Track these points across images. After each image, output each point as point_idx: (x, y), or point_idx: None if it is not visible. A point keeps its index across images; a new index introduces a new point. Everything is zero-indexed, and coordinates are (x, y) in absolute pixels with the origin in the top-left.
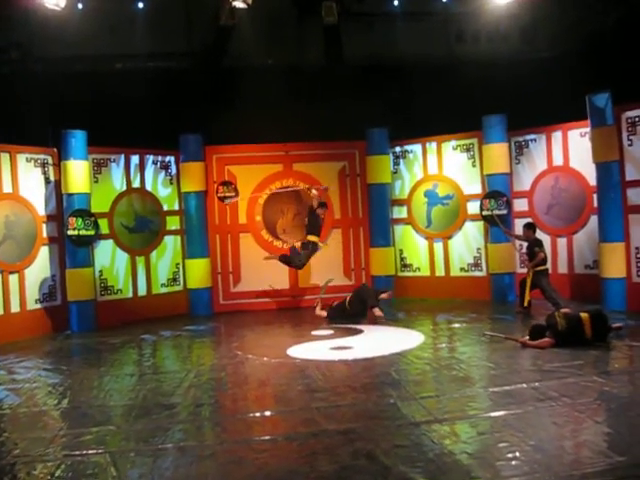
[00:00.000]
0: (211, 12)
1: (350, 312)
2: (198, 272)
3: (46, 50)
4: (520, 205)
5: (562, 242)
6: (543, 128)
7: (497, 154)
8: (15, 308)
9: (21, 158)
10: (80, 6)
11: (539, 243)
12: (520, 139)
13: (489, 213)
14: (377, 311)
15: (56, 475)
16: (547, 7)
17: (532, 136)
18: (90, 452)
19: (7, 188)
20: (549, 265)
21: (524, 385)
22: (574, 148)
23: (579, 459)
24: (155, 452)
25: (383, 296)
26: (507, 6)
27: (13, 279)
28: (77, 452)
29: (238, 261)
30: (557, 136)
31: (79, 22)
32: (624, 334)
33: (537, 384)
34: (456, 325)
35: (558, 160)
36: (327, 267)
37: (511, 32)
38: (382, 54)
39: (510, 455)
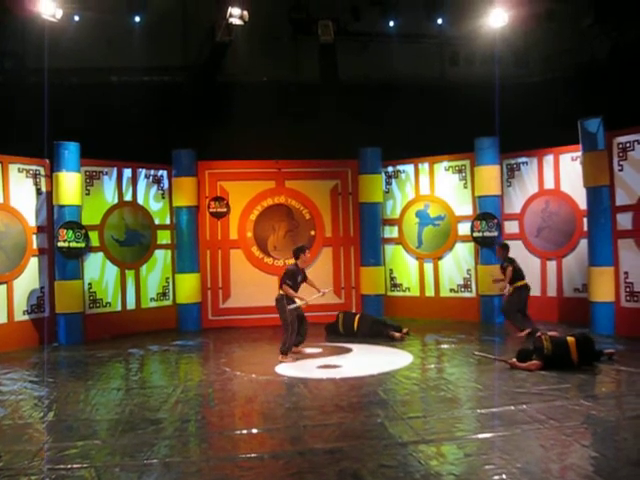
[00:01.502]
0: (207, 28)
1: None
2: (188, 287)
3: (41, 61)
4: (511, 227)
5: (552, 265)
6: (535, 151)
7: (489, 176)
8: (2, 319)
9: (13, 168)
10: (77, 18)
11: (509, 260)
12: (512, 162)
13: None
14: (397, 334)
15: None
16: (540, 32)
17: (524, 159)
18: (75, 466)
19: None
20: (537, 286)
21: (512, 407)
22: (565, 172)
23: None
24: (140, 467)
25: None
26: (501, 30)
27: (1, 290)
28: (62, 466)
29: (228, 277)
30: (549, 159)
31: (75, 34)
32: (615, 359)
33: (524, 406)
34: (445, 346)
35: (549, 183)
36: (317, 285)
37: (504, 56)
38: (376, 74)
39: (497, 477)
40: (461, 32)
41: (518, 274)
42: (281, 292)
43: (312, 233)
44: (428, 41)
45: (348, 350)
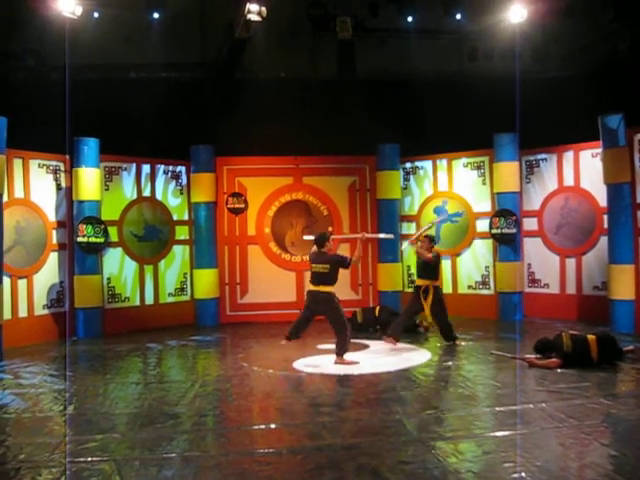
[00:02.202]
0: (226, 24)
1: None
2: (206, 282)
3: (61, 58)
4: (529, 224)
5: (571, 263)
6: (554, 148)
7: (508, 172)
8: (23, 313)
9: (33, 164)
10: (96, 15)
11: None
12: (531, 158)
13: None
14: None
15: None
16: (560, 27)
17: (543, 155)
18: (95, 459)
19: (19, 193)
20: (556, 284)
21: (530, 405)
22: (585, 168)
23: None
24: (159, 461)
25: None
26: (520, 25)
27: (22, 284)
28: (82, 459)
29: (246, 272)
30: (568, 156)
31: (94, 31)
32: (633, 357)
33: (543, 405)
34: (462, 343)
35: (569, 180)
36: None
37: (523, 51)
38: (394, 70)
39: (515, 475)
40: (480, 27)
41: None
42: (330, 289)
43: (330, 229)
44: (446, 37)
45: (365, 346)
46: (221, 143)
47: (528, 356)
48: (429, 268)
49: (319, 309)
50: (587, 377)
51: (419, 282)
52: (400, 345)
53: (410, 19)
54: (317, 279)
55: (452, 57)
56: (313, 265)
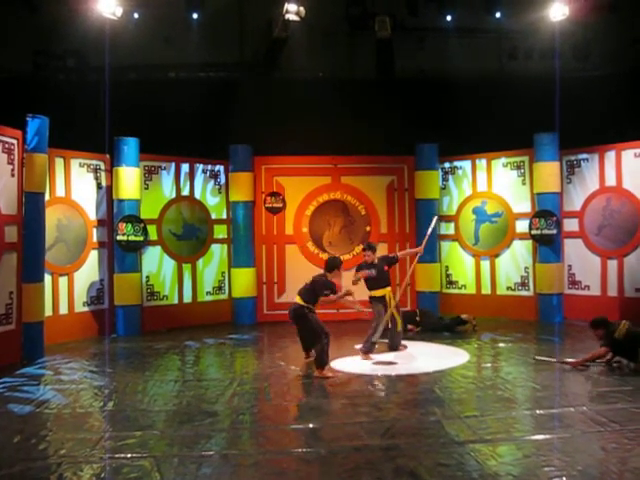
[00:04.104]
0: (264, 24)
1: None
2: (243, 281)
3: (101, 58)
4: (570, 225)
5: (612, 264)
6: (596, 147)
7: (548, 173)
8: (63, 310)
9: (74, 163)
10: (136, 15)
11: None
12: (572, 158)
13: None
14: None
15: (102, 477)
16: (602, 25)
17: (584, 155)
18: (135, 455)
19: (60, 192)
20: (597, 285)
21: (571, 409)
22: (628, 169)
23: None
24: (198, 459)
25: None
26: (560, 23)
27: (63, 281)
28: (122, 455)
29: (283, 272)
30: (610, 156)
31: (134, 31)
32: None
33: (585, 408)
34: (501, 345)
35: (611, 180)
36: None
37: (564, 49)
38: (433, 69)
39: (556, 479)
40: (520, 26)
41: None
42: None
43: (367, 229)
44: (486, 35)
45: (403, 347)
46: (259, 142)
47: (571, 360)
48: (386, 275)
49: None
50: (630, 381)
51: (382, 292)
52: (438, 346)
53: (449, 18)
54: (301, 291)
55: (492, 56)
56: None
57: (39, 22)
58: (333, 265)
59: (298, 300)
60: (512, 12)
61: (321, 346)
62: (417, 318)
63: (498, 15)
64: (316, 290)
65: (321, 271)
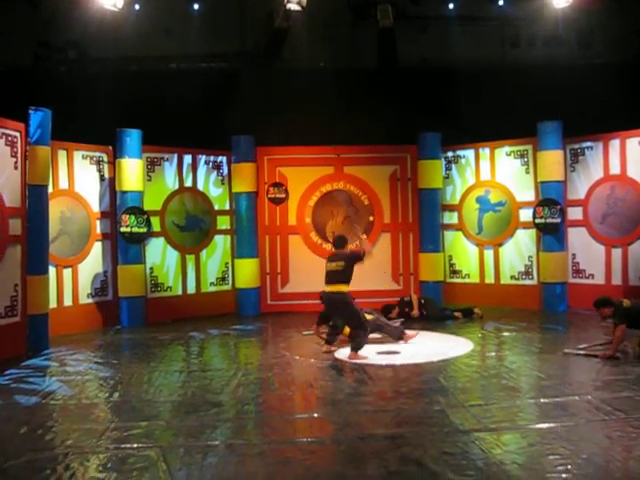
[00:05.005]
0: (265, 14)
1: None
2: (247, 272)
3: (102, 50)
4: (574, 214)
5: (617, 253)
6: (600, 136)
7: (552, 161)
8: (68, 302)
9: (77, 155)
10: (137, 7)
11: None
12: (576, 146)
13: None
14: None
15: (108, 467)
16: (605, 12)
17: (588, 144)
18: (140, 446)
19: (63, 184)
20: (601, 274)
21: (576, 397)
22: (632, 157)
23: (632, 475)
24: (204, 448)
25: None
26: (564, 10)
27: (67, 273)
28: (128, 445)
29: (287, 262)
30: (614, 144)
31: (135, 22)
32: None
33: (589, 397)
34: (505, 334)
35: (615, 169)
36: (376, 272)
37: (568, 37)
38: (436, 58)
39: (561, 468)
40: (522, 13)
41: None
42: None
43: (371, 219)
44: (488, 23)
45: (409, 336)
46: (261, 133)
47: (601, 353)
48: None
49: (336, 310)
50: (634, 369)
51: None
52: (442, 335)
53: (451, 6)
54: (332, 278)
55: (494, 44)
56: (328, 264)
57: (40, 14)
58: (345, 240)
59: (333, 288)
60: None
61: (364, 331)
62: (422, 301)
63: (501, 3)
64: (355, 264)
65: (322, 259)
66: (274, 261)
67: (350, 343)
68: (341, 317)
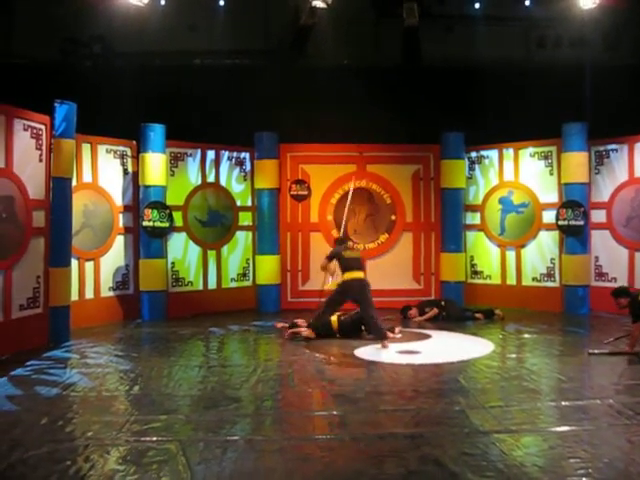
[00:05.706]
0: (290, 11)
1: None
2: (268, 268)
3: (127, 44)
4: (598, 216)
5: None
6: (625, 138)
7: (576, 163)
8: (89, 295)
9: (101, 149)
10: (162, 2)
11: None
12: (601, 148)
13: None
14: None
15: (128, 459)
16: (632, 13)
17: (613, 146)
18: (160, 439)
19: (87, 178)
20: (624, 278)
21: (597, 401)
22: None
23: None
24: (223, 443)
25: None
26: (590, 11)
27: (89, 266)
28: (147, 438)
29: (308, 259)
30: None
31: (160, 18)
32: None
33: (611, 400)
34: (526, 335)
35: None
36: (397, 271)
37: (594, 38)
38: (461, 57)
39: (582, 471)
40: (549, 13)
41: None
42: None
43: (392, 218)
44: (514, 23)
45: (427, 336)
46: (285, 130)
47: (626, 347)
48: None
49: (362, 296)
50: None
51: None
52: (462, 336)
53: (477, 5)
54: (358, 265)
55: (520, 44)
56: (349, 252)
57: (66, 9)
58: (342, 240)
59: (361, 275)
60: (541, 0)
61: (374, 321)
62: (442, 303)
63: (527, 3)
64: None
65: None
66: (295, 258)
67: (374, 337)
68: (363, 303)
